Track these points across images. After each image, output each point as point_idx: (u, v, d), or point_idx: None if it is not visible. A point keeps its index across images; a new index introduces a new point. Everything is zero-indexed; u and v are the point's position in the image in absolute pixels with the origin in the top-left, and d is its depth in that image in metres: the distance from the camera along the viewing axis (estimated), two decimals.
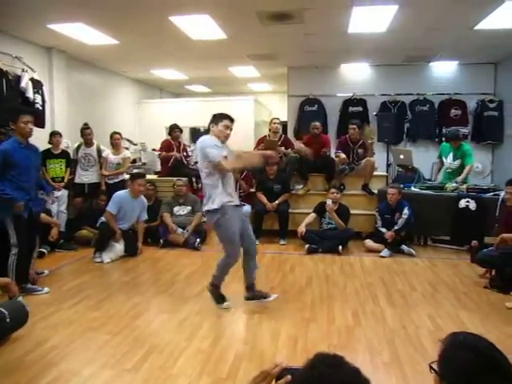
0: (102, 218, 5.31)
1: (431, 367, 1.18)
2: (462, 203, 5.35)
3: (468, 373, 1.08)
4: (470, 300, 3.77)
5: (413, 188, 5.84)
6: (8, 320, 2.77)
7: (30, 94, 5.70)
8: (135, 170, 7.40)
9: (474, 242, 4.93)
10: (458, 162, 5.79)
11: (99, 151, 6.10)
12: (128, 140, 7.73)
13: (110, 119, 8.36)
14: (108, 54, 7.10)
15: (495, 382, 1.06)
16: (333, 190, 5.59)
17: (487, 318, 3.36)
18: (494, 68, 7.79)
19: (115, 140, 6.24)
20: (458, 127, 7.57)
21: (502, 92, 7.65)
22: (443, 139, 7.80)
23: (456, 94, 7.84)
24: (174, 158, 6.54)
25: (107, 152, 6.17)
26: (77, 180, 5.99)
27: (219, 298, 3.56)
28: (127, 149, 6.97)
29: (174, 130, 6.73)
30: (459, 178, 5.71)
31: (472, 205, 5.30)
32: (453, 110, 7.84)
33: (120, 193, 5.30)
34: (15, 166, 3.68)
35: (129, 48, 6.66)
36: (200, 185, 6.82)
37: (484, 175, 6.38)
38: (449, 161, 5.86)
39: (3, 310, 2.78)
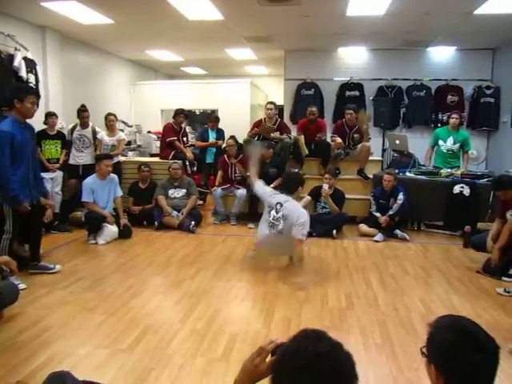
0: (85, 210, 5.30)
1: (422, 351, 1.20)
2: (457, 189, 5.39)
3: (452, 353, 1.10)
4: (461, 284, 3.82)
5: (408, 173, 5.87)
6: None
7: (23, 73, 5.59)
8: (130, 153, 7.37)
9: (467, 228, 4.98)
10: (458, 145, 5.89)
11: (94, 133, 6.02)
12: (123, 122, 7.65)
13: (104, 100, 8.25)
14: (102, 34, 6.98)
15: (478, 361, 1.07)
16: (326, 176, 5.58)
17: (478, 302, 3.41)
18: (492, 54, 7.74)
19: (110, 122, 6.15)
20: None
21: (499, 78, 7.62)
22: (439, 125, 7.83)
23: (453, 79, 7.80)
24: (179, 150, 6.49)
25: (102, 134, 6.09)
26: (71, 161, 5.91)
27: None
28: (122, 131, 6.90)
29: (178, 114, 6.62)
30: (464, 168, 5.85)
31: (466, 190, 5.34)
32: (449, 96, 7.82)
33: (87, 179, 5.24)
34: (16, 147, 3.54)
35: (123, 28, 6.54)
36: (195, 168, 6.82)
37: (479, 161, 6.42)
38: (449, 144, 5.91)
39: None
